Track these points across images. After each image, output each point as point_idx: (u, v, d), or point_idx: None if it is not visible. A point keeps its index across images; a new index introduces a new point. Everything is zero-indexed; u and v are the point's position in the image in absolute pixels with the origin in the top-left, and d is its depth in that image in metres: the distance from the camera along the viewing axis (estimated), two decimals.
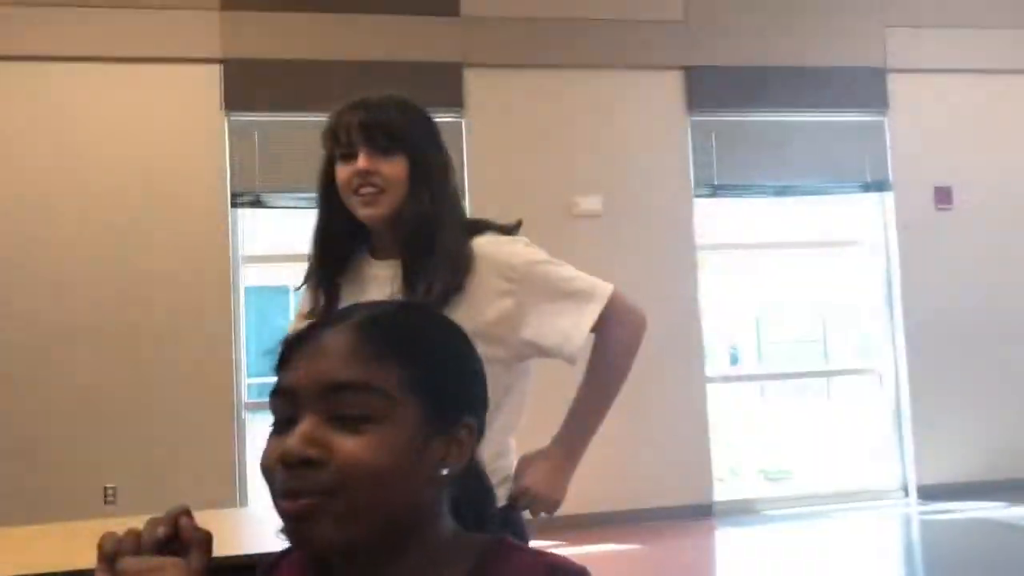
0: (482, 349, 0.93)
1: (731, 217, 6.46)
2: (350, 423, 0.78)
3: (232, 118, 5.17)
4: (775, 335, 18.02)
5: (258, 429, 5.35)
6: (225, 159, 5.14)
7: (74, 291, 4.94)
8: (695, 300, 5.64)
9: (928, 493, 5.71)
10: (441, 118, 5.34)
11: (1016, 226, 6.03)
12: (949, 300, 5.89)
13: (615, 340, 1.62)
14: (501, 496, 1.53)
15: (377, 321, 0.84)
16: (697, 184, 5.70)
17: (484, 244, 1.61)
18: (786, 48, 5.82)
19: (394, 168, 1.59)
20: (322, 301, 1.67)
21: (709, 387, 5.66)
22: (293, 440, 0.77)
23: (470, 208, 5.44)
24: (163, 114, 5.11)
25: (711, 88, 5.68)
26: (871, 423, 6.11)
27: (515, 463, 1.64)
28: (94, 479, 4.83)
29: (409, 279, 1.58)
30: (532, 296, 1.58)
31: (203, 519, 0.83)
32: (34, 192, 4.96)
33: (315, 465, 0.76)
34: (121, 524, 0.87)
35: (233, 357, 5.07)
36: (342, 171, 1.60)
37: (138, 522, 0.82)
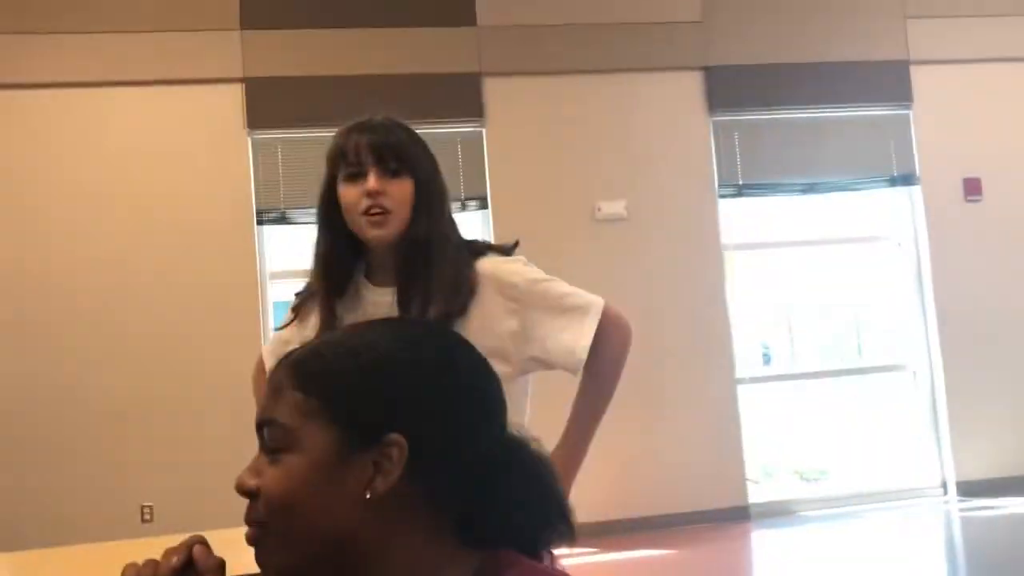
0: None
1: (759, 216, 6.42)
2: (273, 455, 0.82)
3: (255, 136, 5.21)
4: (808, 334, 17.83)
5: None
6: (250, 177, 5.19)
7: (107, 312, 4.99)
8: (723, 301, 5.60)
9: (967, 489, 5.63)
10: (462, 128, 5.42)
11: None
12: (982, 293, 5.81)
13: (608, 350, 1.66)
14: None
15: (292, 355, 0.87)
16: (721, 184, 5.67)
17: (486, 265, 1.65)
18: (805, 44, 5.77)
19: (402, 189, 1.61)
20: (315, 324, 1.68)
21: (740, 388, 5.62)
22: (241, 472, 0.84)
23: (492, 217, 5.48)
24: (188, 135, 5.16)
25: (731, 87, 5.65)
26: (907, 420, 6.02)
27: None
28: (131, 498, 4.88)
29: (405, 304, 1.60)
30: (535, 314, 1.64)
31: (237, 537, 0.84)
32: (63, 216, 5.02)
33: (254, 496, 0.82)
34: (157, 544, 0.89)
35: None
36: (350, 191, 1.61)
37: (174, 541, 0.85)
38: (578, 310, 1.65)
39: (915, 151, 5.87)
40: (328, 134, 5.72)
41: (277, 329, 1.87)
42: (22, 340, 4.93)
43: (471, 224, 5.54)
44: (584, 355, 1.63)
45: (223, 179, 5.18)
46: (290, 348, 1.48)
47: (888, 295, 6.24)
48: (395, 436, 0.80)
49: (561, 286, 1.68)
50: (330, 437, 0.80)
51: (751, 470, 5.70)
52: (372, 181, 1.58)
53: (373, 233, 1.60)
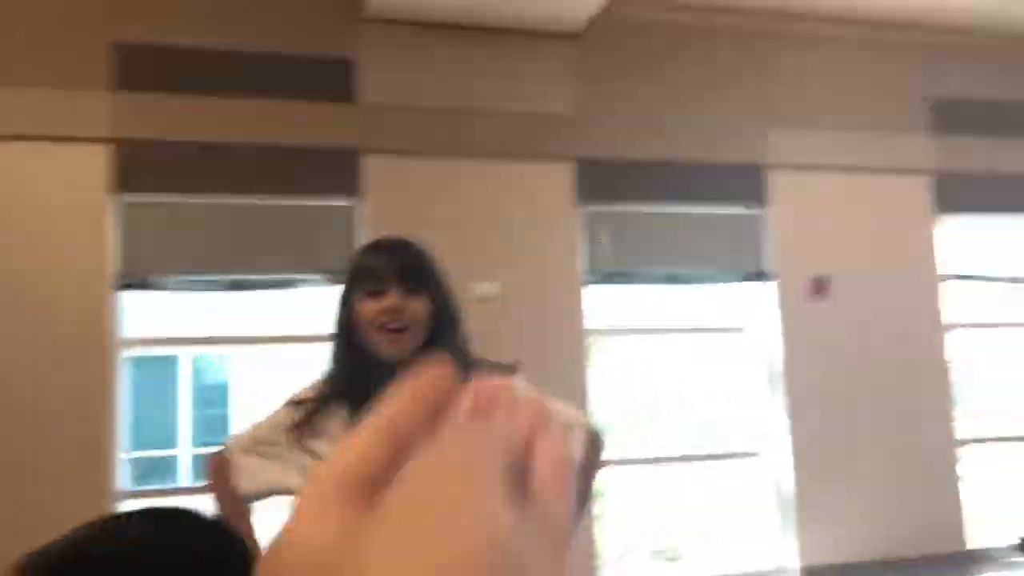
0: None
1: (628, 303, 6.64)
2: None
3: (120, 199, 5.06)
4: (667, 419, 18.34)
5: None
6: (110, 240, 5.01)
7: None
8: (584, 382, 5.73)
9: (812, 574, 5.86)
10: (337, 203, 5.42)
11: (887, 312, 6.38)
12: (826, 385, 6.16)
13: (587, 458, 1.76)
14: None
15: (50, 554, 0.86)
16: (588, 271, 5.84)
17: None
18: (671, 144, 6.10)
19: (419, 307, 1.64)
20: (334, 438, 1.67)
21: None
22: None
23: None
24: (48, 193, 4.96)
25: (600, 180, 5.88)
26: (759, 506, 6.25)
27: None
28: None
29: None
30: None
31: None
32: None
33: None
34: None
35: (109, 444, 4.86)
36: (369, 306, 1.63)
37: None
38: (567, 428, 1.73)
39: (769, 249, 6.22)
40: (197, 200, 5.59)
41: (257, 424, 1.79)
42: None
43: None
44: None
45: (82, 241, 4.98)
46: (275, 448, 1.46)
47: (744, 383, 6.52)
48: None
49: (553, 403, 1.73)
50: None
51: (609, 550, 5.77)
52: (392, 298, 1.61)
53: (390, 349, 1.63)
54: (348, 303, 1.68)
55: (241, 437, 1.80)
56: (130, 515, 0.84)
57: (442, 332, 1.67)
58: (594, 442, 1.76)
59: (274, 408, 1.79)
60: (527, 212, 5.77)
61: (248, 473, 1.67)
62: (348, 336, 1.67)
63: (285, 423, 1.74)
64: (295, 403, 1.76)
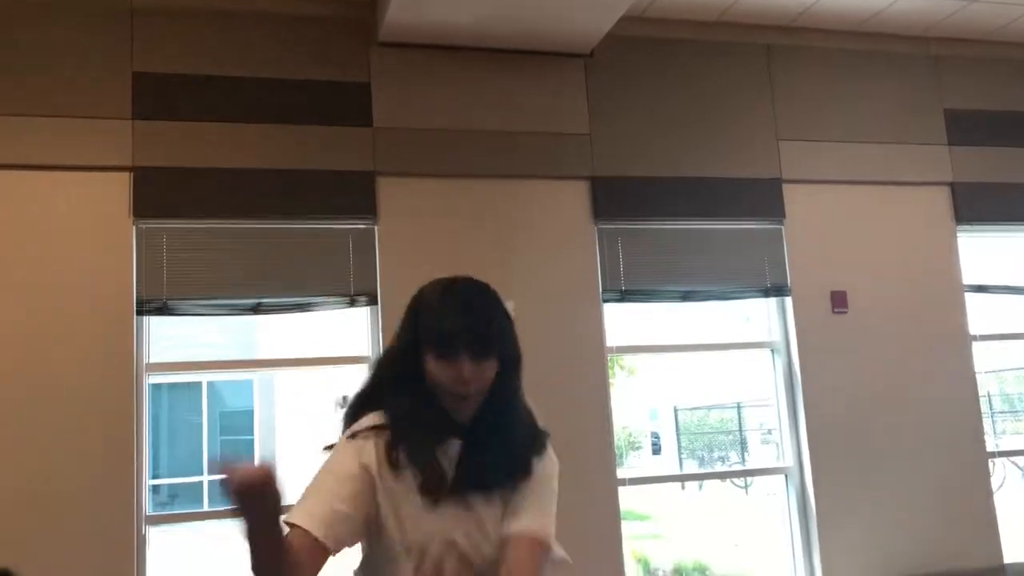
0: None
1: (645, 319, 6.64)
2: None
3: (140, 225, 5.14)
4: (694, 430, 18.28)
5: (161, 543, 5.15)
6: (132, 266, 5.08)
7: None
8: (607, 402, 5.72)
9: None
10: (354, 224, 5.48)
11: (910, 324, 6.34)
12: (849, 399, 6.12)
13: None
14: None
15: None
16: (605, 289, 5.85)
17: (548, 460, 1.80)
18: (686, 160, 6.11)
19: (489, 372, 1.67)
20: (413, 476, 1.68)
21: (621, 489, 5.69)
22: None
23: (381, 313, 5.50)
24: (70, 221, 5.04)
25: (616, 197, 5.90)
26: (780, 522, 6.21)
27: None
28: None
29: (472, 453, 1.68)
30: (528, 497, 1.74)
31: None
32: None
33: None
34: None
35: (136, 470, 4.91)
36: (440, 369, 1.65)
37: None
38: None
39: (787, 264, 6.21)
40: (215, 225, 5.68)
41: (318, 485, 1.65)
42: None
43: (360, 319, 5.56)
44: (548, 540, 1.72)
45: (105, 267, 5.05)
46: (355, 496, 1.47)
47: (764, 400, 6.50)
48: None
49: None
50: None
51: (629, 570, 5.74)
52: (464, 367, 1.64)
53: (453, 409, 1.66)
54: (415, 351, 1.68)
55: (311, 511, 1.61)
56: None
57: (503, 388, 1.70)
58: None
59: (330, 457, 1.68)
60: (544, 230, 5.80)
61: (338, 540, 1.59)
62: (413, 380, 1.67)
63: (362, 460, 1.66)
64: (353, 436, 1.69)
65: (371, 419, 1.70)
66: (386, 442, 1.67)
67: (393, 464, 1.64)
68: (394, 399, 1.69)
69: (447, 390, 1.64)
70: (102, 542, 4.79)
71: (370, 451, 1.65)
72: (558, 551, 1.73)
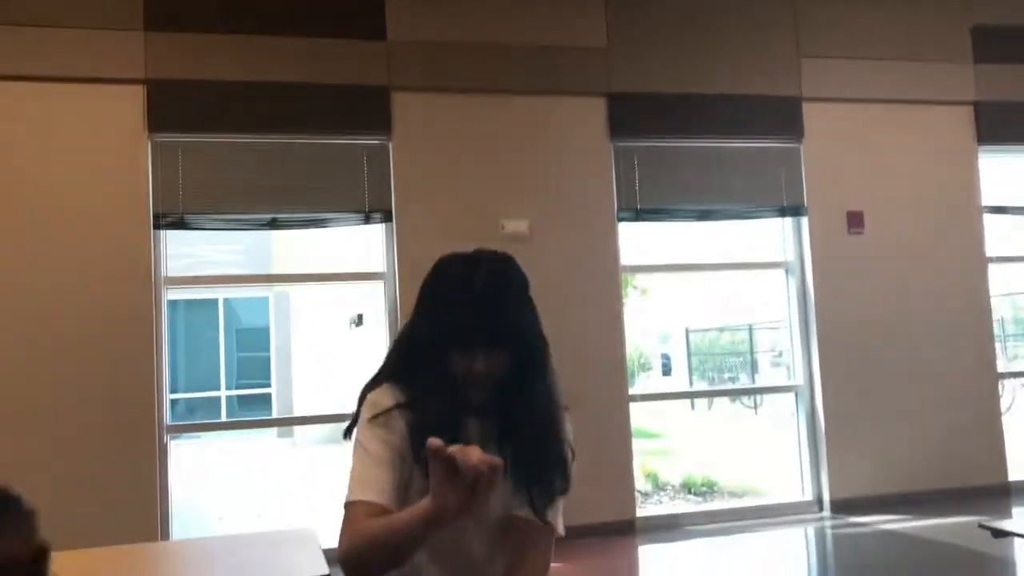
0: None
1: (659, 239, 6.63)
2: None
3: (155, 139, 5.13)
4: (705, 351, 18.42)
5: (181, 454, 5.28)
6: (148, 180, 5.09)
7: None
8: (619, 320, 5.76)
9: (842, 506, 5.92)
10: (368, 140, 5.44)
11: (926, 244, 6.32)
12: (861, 320, 6.13)
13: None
14: None
15: None
16: (620, 208, 5.83)
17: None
18: (705, 77, 6.01)
19: (503, 362, 1.67)
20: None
21: (632, 406, 5.78)
22: None
23: (396, 230, 5.51)
24: (85, 134, 5.04)
25: (633, 114, 5.83)
26: (790, 439, 6.29)
27: None
28: None
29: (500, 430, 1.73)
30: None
31: (118, 555, 0.86)
32: None
33: None
34: None
35: (156, 381, 5.00)
36: (459, 362, 1.67)
37: None
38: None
39: (804, 184, 6.15)
40: (230, 139, 5.63)
41: (369, 441, 1.70)
42: None
43: (375, 236, 5.57)
44: (555, 519, 1.79)
45: (121, 180, 5.07)
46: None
47: (777, 319, 6.52)
48: None
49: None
50: None
51: (639, 484, 5.86)
52: (480, 364, 1.65)
53: (471, 393, 1.69)
54: (431, 339, 1.70)
55: (382, 487, 1.67)
56: None
57: (522, 373, 1.72)
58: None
59: (361, 444, 1.71)
60: (559, 148, 5.75)
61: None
62: (430, 362, 1.70)
63: (392, 440, 1.69)
64: (377, 416, 1.72)
65: (390, 399, 1.75)
66: (407, 421, 1.71)
67: (415, 442, 1.68)
68: (412, 379, 1.73)
69: (459, 378, 1.68)
70: (126, 451, 4.92)
71: (395, 427, 1.70)
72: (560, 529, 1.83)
